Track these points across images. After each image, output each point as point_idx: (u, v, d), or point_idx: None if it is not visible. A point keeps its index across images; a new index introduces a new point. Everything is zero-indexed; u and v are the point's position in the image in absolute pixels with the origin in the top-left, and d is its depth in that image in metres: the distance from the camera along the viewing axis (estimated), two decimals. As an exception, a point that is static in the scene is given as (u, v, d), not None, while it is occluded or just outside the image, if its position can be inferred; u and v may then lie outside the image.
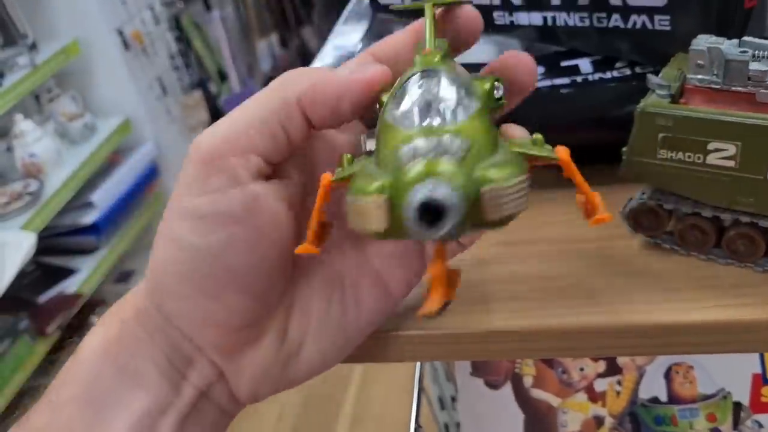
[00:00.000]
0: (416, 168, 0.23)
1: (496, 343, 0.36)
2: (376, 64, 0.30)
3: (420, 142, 0.24)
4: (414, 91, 0.27)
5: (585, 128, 0.44)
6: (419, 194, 0.22)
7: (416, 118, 0.26)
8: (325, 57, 0.54)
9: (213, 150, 0.29)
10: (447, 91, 0.27)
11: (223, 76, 2.27)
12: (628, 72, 0.45)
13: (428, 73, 0.27)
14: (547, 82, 0.45)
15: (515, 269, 0.39)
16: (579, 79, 0.45)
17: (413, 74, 0.28)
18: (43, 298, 1.71)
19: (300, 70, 0.31)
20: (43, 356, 1.59)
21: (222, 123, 0.30)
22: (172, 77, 2.05)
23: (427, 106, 0.26)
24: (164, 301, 0.30)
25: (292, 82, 0.30)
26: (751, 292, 0.35)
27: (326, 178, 0.28)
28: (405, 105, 0.26)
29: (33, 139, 1.69)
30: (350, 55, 0.53)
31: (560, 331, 0.35)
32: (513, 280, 0.38)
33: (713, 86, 0.35)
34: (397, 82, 0.28)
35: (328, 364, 0.33)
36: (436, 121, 0.25)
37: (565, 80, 0.45)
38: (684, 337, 0.35)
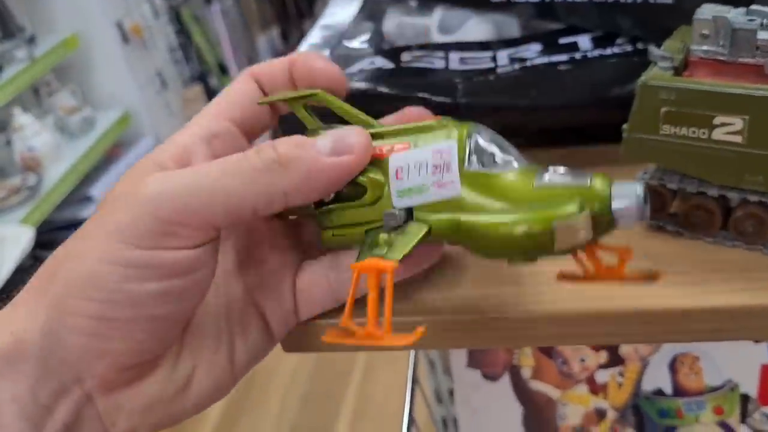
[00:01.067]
0: (597, 181, 0.29)
1: (490, 330, 0.34)
2: (355, 133, 0.30)
3: (549, 173, 0.29)
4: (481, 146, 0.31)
5: (584, 107, 0.42)
6: (631, 189, 0.28)
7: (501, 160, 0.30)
8: (313, 38, 0.52)
9: (176, 213, 0.28)
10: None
11: (223, 70, 2.25)
12: (629, 48, 0.43)
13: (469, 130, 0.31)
14: (544, 59, 0.43)
15: (511, 254, 0.37)
16: (578, 55, 0.43)
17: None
18: (43, 292, 1.69)
19: (283, 152, 0.29)
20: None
21: (192, 180, 0.28)
22: (172, 71, 2.03)
23: (502, 149, 0.31)
24: (61, 328, 0.28)
25: (278, 169, 0.29)
26: (761, 276, 0.33)
27: (392, 266, 0.28)
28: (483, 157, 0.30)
29: (32, 133, 1.68)
30: (338, 35, 0.51)
31: (558, 317, 0.33)
32: (505, 263, 0.36)
33: (719, 58, 0.33)
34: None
35: (216, 398, 0.33)
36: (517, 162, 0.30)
37: (563, 57, 0.43)
38: (690, 324, 0.33)
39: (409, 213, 0.31)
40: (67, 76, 1.86)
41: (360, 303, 0.29)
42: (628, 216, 0.28)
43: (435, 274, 0.36)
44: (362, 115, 0.33)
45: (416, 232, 0.30)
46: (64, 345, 0.28)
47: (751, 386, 0.49)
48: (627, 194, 0.28)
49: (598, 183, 0.28)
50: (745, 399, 0.50)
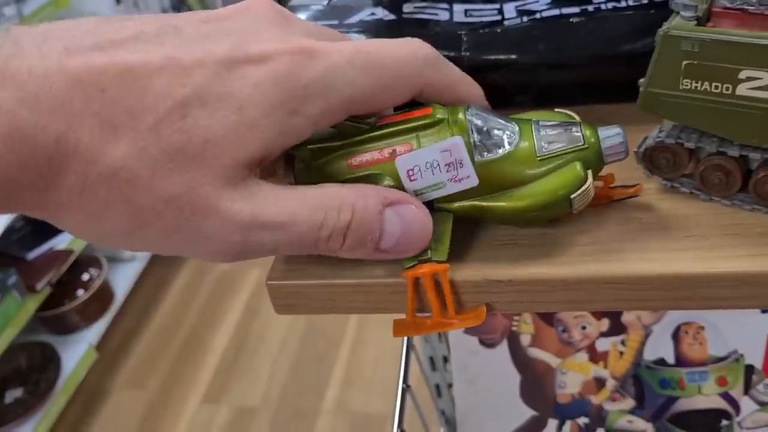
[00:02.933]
0: (587, 134, 0.32)
1: (495, 293, 0.32)
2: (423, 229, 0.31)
3: (543, 138, 0.32)
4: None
5: (597, 63, 0.40)
6: (613, 132, 0.32)
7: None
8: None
9: None
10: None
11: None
12: (645, 0, 0.40)
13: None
14: (555, 11, 0.41)
15: (516, 214, 0.35)
16: (590, 8, 0.41)
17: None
18: (33, 254, 1.68)
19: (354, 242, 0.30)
20: (33, 313, 1.57)
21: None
22: (164, 30, 1.99)
23: (495, 125, 0.33)
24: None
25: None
26: (781, 241, 0.31)
27: (445, 268, 0.32)
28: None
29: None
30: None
31: (566, 281, 0.32)
32: (515, 226, 0.34)
33: (746, 8, 0.31)
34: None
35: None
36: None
37: (575, 9, 0.41)
38: (704, 290, 0.31)
39: (429, 204, 0.32)
40: (56, 34, 1.81)
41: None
42: (616, 155, 0.32)
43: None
44: (358, 121, 0.32)
45: (445, 223, 0.32)
46: None
47: (756, 357, 0.48)
48: (612, 136, 0.32)
49: (589, 137, 0.32)
50: (749, 370, 0.48)
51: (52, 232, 1.71)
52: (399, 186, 0.31)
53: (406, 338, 0.51)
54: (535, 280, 0.32)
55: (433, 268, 0.31)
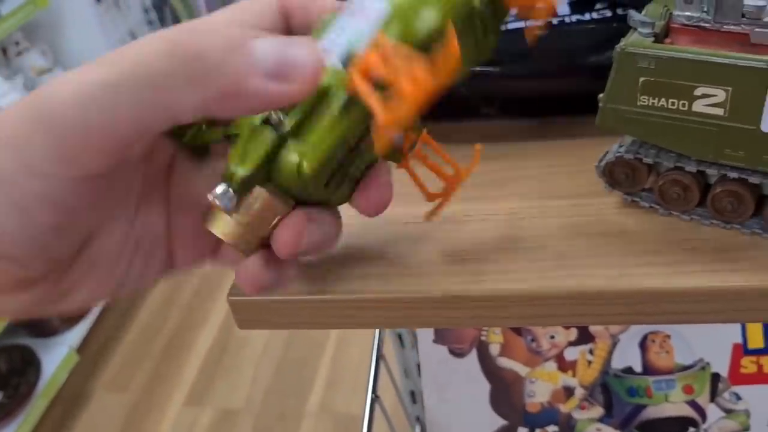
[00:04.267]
0: None
1: (454, 309, 0.33)
2: (308, 56, 0.25)
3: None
4: None
5: (560, 75, 0.40)
6: None
7: None
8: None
9: (76, 130, 0.24)
10: None
11: None
12: (608, 14, 0.41)
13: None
14: (520, 24, 0.41)
15: (479, 227, 0.35)
16: (555, 21, 0.41)
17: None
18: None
19: (207, 53, 0.24)
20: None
21: (88, 85, 0.23)
22: (146, 31, 1.97)
23: None
24: None
25: (194, 76, 0.24)
26: (738, 257, 0.32)
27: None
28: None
29: (0, 94, 1.63)
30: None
31: (525, 296, 0.32)
32: (476, 239, 0.34)
33: (702, 24, 0.31)
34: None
35: (89, 307, 0.30)
36: None
37: (539, 21, 0.41)
38: (663, 305, 0.31)
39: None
40: (36, 35, 1.80)
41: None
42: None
43: (398, 250, 0.35)
44: None
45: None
46: None
47: (722, 365, 0.48)
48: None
49: None
50: (715, 378, 0.49)
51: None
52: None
53: (375, 347, 0.51)
54: (495, 296, 0.32)
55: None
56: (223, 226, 0.28)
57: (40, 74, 1.76)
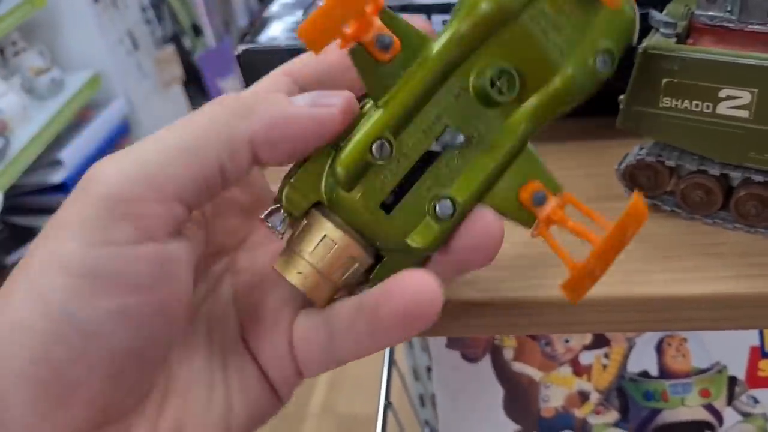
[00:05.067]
0: None
1: (473, 317, 0.32)
2: (340, 93, 0.25)
3: None
4: None
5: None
6: None
7: None
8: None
9: (124, 187, 0.22)
10: None
11: (197, 31, 2.18)
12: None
13: None
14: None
15: (496, 234, 0.34)
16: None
17: None
18: (12, 258, 1.66)
19: (247, 100, 0.25)
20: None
21: (139, 151, 0.23)
22: (144, 31, 1.96)
23: None
24: None
25: (242, 113, 0.24)
26: (762, 262, 0.31)
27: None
28: None
29: (-2, 95, 1.62)
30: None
31: (544, 304, 0.31)
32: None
33: (726, 24, 0.31)
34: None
35: None
36: None
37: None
38: (685, 312, 0.31)
39: None
40: (34, 35, 1.79)
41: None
42: None
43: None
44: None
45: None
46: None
47: (739, 369, 0.47)
48: None
49: None
50: (732, 381, 0.48)
51: (30, 235, 1.69)
52: None
53: (387, 354, 0.50)
54: (515, 302, 0.31)
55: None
56: (295, 271, 0.26)
57: (38, 74, 1.75)
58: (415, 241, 0.26)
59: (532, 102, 0.26)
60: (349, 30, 0.23)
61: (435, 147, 0.26)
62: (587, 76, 0.27)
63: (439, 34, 0.25)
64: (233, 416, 0.26)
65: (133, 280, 0.22)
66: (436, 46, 0.25)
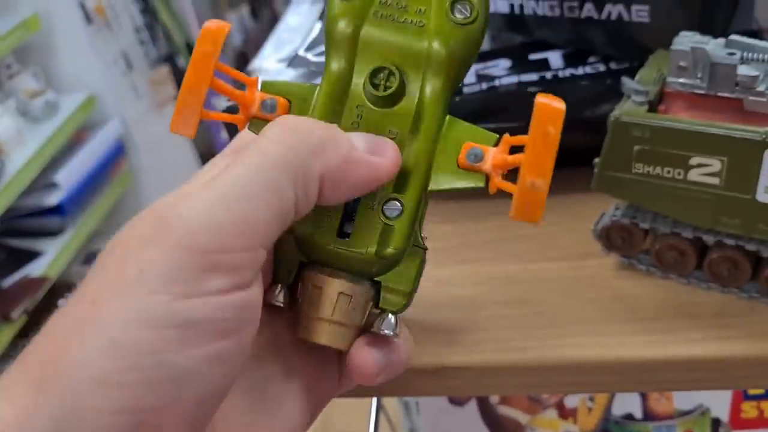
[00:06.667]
0: None
1: (452, 378, 0.32)
2: (390, 142, 0.26)
3: None
4: None
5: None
6: None
7: None
8: (271, 46, 0.49)
9: (212, 236, 0.21)
10: None
11: (191, 50, 2.19)
12: (602, 68, 0.41)
13: None
14: (514, 78, 0.41)
15: (474, 293, 0.35)
16: (548, 75, 0.41)
17: None
18: (8, 282, 1.65)
19: (322, 133, 0.25)
20: (9, 342, 1.55)
21: (217, 188, 0.22)
22: (138, 51, 1.97)
23: None
24: None
25: (317, 151, 0.24)
26: (736, 323, 0.31)
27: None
28: None
29: (-7, 118, 1.62)
30: (299, 43, 0.48)
31: (521, 367, 0.32)
32: (471, 305, 0.34)
33: (696, 91, 0.31)
34: None
35: None
36: None
37: (533, 76, 0.41)
38: (660, 374, 0.31)
39: None
40: (28, 58, 1.79)
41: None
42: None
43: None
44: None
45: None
46: None
47: (722, 410, 0.48)
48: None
49: None
50: (716, 423, 0.49)
51: (26, 258, 1.69)
52: None
53: (374, 400, 0.50)
54: (491, 367, 0.32)
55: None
56: (319, 332, 0.27)
57: (33, 97, 1.75)
58: (387, 249, 0.26)
59: (427, 78, 0.27)
60: (239, 114, 0.27)
61: None
62: (452, 31, 0.27)
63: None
64: None
65: (223, 325, 0.22)
66: (323, 82, 0.27)
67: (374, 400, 0.50)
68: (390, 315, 0.27)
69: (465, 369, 0.32)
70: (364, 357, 0.27)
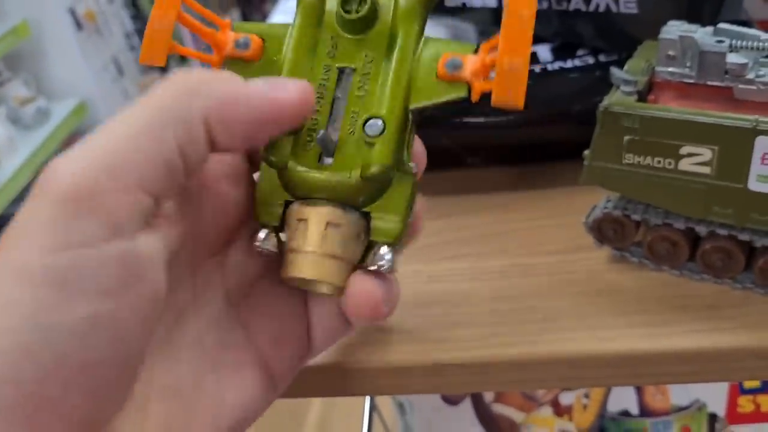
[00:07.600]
0: None
1: (445, 376, 0.32)
2: (298, 81, 0.25)
3: None
4: None
5: (544, 123, 0.40)
6: None
7: None
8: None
9: (83, 181, 0.20)
10: None
11: (182, 56, 2.19)
12: (590, 60, 0.40)
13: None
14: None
15: (466, 288, 0.35)
16: (537, 69, 0.40)
17: None
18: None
19: (201, 76, 0.24)
20: None
21: (94, 142, 0.22)
22: (129, 57, 1.97)
23: None
24: None
25: (194, 91, 0.23)
26: (730, 314, 0.31)
27: None
28: None
29: (-17, 125, 1.62)
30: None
31: (514, 363, 0.31)
32: (463, 301, 0.34)
33: (686, 80, 0.31)
34: None
35: None
36: None
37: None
38: (653, 368, 0.31)
39: None
40: (18, 65, 1.79)
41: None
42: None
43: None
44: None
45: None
46: None
47: (718, 405, 0.47)
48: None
49: None
50: (712, 418, 0.48)
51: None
52: None
53: (368, 400, 0.50)
54: (484, 363, 0.31)
55: None
56: (309, 266, 0.26)
57: (23, 104, 1.75)
58: (372, 168, 0.25)
59: None
60: (213, 55, 0.27)
61: (338, 93, 0.27)
62: None
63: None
64: (224, 412, 0.25)
65: (103, 284, 0.20)
66: (296, 16, 0.27)
67: (367, 400, 0.50)
68: (384, 247, 0.26)
69: (458, 365, 0.31)
70: (365, 282, 0.26)
